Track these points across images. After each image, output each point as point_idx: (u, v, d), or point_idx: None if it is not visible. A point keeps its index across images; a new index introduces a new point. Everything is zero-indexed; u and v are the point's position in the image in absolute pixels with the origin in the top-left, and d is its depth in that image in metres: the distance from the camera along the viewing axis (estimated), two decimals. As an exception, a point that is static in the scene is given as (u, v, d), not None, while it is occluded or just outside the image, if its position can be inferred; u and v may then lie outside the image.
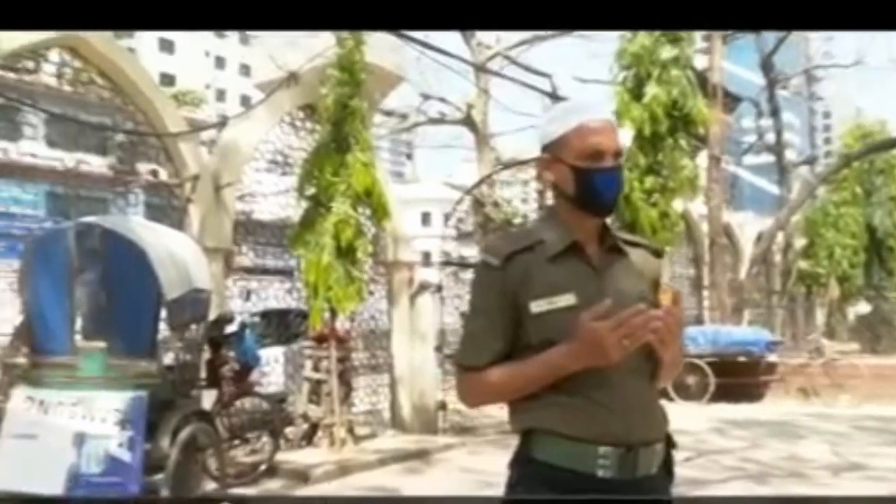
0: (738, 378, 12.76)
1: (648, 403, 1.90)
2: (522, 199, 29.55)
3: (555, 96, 15.34)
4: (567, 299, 1.81)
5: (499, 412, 10.05)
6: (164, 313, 5.39)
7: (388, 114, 16.65)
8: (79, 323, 5.22)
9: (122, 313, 5.12)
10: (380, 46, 8.72)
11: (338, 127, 8.05)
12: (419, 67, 14.03)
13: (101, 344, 4.95)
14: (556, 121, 1.93)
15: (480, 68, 15.73)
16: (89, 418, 4.83)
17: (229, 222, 8.22)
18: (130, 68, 7.75)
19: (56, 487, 4.67)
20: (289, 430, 8.44)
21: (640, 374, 1.86)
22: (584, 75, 22.70)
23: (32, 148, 10.43)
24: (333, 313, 8.18)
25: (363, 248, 8.21)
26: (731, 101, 21.47)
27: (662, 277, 1.99)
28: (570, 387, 1.79)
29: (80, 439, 4.77)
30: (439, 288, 10.17)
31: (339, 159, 8.00)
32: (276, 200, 9.51)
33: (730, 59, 21.17)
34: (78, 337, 5.18)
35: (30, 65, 7.64)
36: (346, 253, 7.93)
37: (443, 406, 9.90)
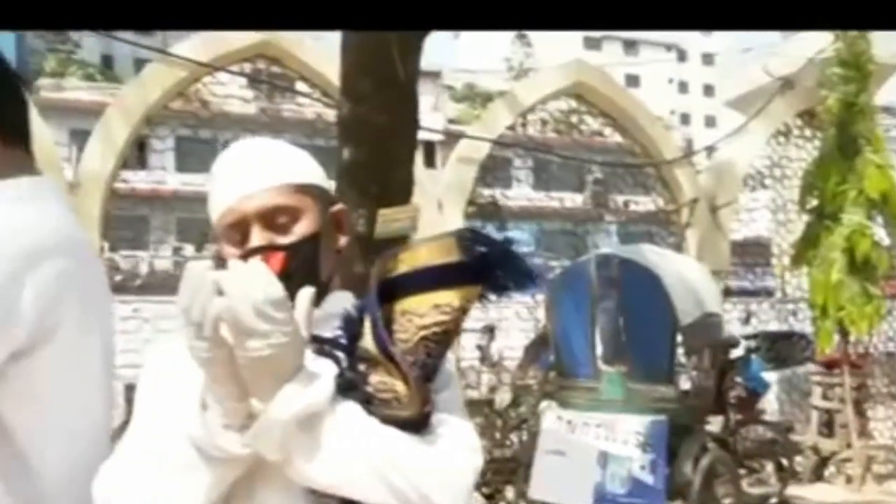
0: None
1: None
2: None
3: None
4: None
5: None
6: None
7: (885, 110, 14.57)
8: (599, 348, 5.51)
9: (639, 339, 5.27)
10: (876, 35, 7.74)
11: (843, 129, 7.33)
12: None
13: (621, 368, 5.15)
14: None
15: None
16: (612, 439, 5.05)
17: (726, 244, 8.12)
18: (633, 107, 8.40)
19: (584, 502, 4.96)
20: (795, 463, 7.86)
21: None
22: None
23: (523, 192, 11.71)
24: (844, 335, 7.41)
25: (881, 260, 7.28)
26: None
27: None
28: None
29: (604, 459, 5.01)
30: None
31: (847, 165, 7.27)
32: (763, 217, 9.07)
33: None
34: (599, 361, 5.47)
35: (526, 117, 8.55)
36: (860, 268, 7.13)
37: None
